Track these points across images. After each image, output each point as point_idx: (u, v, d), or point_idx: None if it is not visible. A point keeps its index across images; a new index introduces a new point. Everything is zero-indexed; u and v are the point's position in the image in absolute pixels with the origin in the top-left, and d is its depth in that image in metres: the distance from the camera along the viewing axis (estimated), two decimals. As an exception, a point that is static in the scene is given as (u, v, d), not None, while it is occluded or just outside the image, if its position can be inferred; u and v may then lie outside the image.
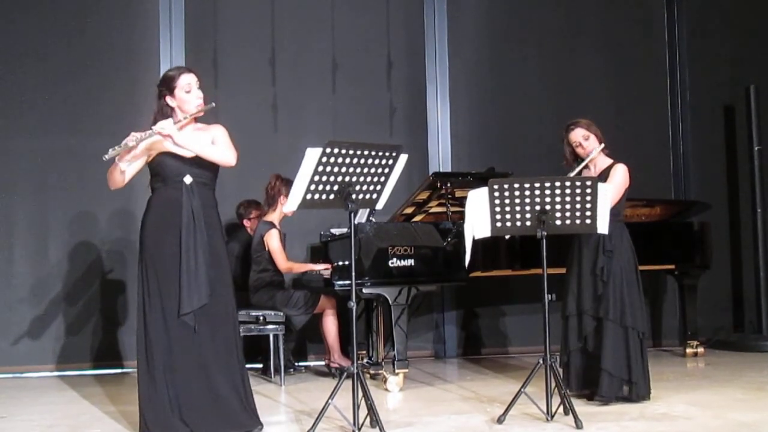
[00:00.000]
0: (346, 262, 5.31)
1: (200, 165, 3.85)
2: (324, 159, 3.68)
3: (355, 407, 3.73)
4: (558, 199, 4.07)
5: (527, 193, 4.07)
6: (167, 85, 3.88)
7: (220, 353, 3.81)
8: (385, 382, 5.30)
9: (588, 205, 4.08)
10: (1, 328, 6.45)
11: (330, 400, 3.78)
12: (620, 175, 4.66)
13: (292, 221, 6.21)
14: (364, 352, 6.24)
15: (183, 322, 3.73)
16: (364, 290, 5.27)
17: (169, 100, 3.89)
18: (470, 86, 7.46)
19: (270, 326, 5.66)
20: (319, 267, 5.83)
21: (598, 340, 4.55)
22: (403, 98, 7.34)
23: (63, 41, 6.74)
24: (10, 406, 4.93)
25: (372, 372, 5.72)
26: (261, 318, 5.63)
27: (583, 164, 4.65)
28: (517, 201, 4.09)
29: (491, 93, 7.51)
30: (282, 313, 5.67)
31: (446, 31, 7.36)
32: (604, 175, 4.65)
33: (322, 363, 6.33)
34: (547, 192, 4.06)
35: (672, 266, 6.55)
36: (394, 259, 5.31)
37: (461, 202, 5.33)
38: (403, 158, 3.94)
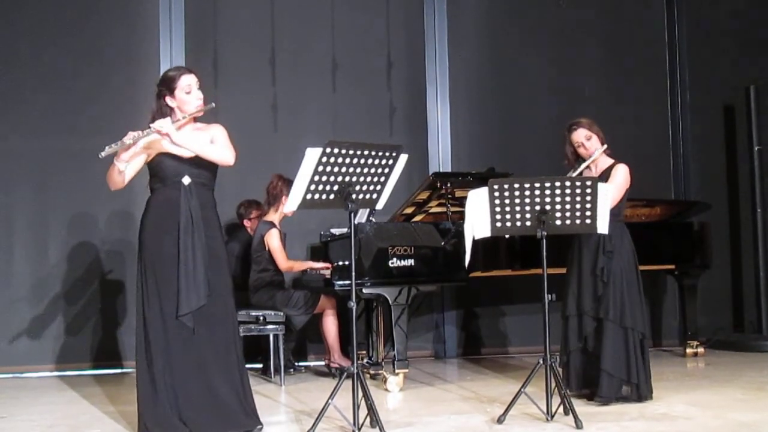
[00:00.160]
0: (346, 262, 5.31)
1: (199, 165, 3.84)
2: (324, 159, 3.68)
3: (355, 407, 3.73)
4: (558, 199, 4.07)
5: (527, 193, 4.07)
6: (167, 85, 3.87)
7: (219, 353, 3.80)
8: (385, 382, 5.30)
9: (588, 205, 4.08)
10: (1, 328, 6.45)
11: (330, 400, 3.78)
12: (621, 176, 4.66)
13: (292, 221, 6.21)
14: (364, 352, 6.23)
15: (182, 322, 3.73)
16: (364, 290, 5.27)
17: (168, 100, 3.87)
18: (470, 86, 7.46)
19: (270, 326, 5.65)
20: (320, 265, 5.84)
21: (598, 340, 4.55)
22: (403, 98, 7.33)
23: (63, 41, 6.74)
24: (10, 406, 4.93)
25: (372, 372, 5.72)
26: (261, 318, 5.63)
27: (585, 165, 4.65)
28: (517, 201, 4.09)
29: (491, 93, 7.51)
30: (282, 313, 5.67)
31: (446, 31, 7.35)
32: (605, 175, 4.65)
33: (322, 363, 6.33)
34: (547, 192, 4.06)
35: (672, 266, 6.56)
36: (394, 259, 5.30)
37: (461, 202, 5.32)
38: (403, 158, 3.94)
